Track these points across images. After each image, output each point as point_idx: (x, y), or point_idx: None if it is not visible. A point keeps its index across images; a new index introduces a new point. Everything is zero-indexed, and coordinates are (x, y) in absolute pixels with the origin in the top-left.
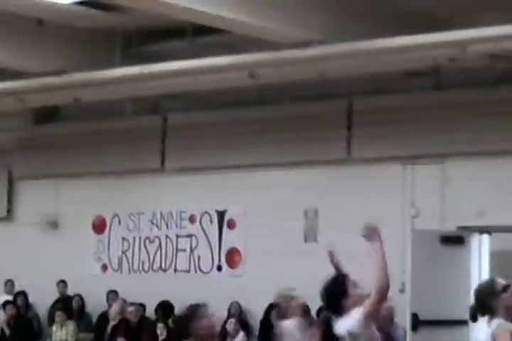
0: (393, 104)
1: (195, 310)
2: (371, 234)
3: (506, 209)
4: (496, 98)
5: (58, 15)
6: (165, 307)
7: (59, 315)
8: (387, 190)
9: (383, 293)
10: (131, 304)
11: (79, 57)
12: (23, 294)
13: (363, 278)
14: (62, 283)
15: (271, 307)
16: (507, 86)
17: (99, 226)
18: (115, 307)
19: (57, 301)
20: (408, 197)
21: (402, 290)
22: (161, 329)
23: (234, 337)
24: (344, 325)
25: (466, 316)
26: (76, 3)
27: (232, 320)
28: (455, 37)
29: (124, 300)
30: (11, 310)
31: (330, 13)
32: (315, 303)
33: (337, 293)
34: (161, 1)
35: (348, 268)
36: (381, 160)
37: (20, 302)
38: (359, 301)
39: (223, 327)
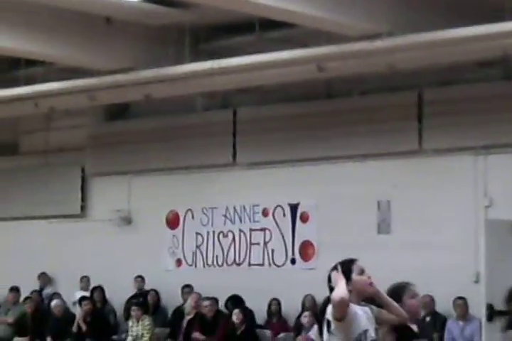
0: (463, 95)
1: (405, 287)
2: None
3: None
4: None
5: (126, 13)
6: (234, 301)
7: (134, 310)
8: (460, 181)
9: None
10: (206, 298)
11: (148, 54)
12: (99, 289)
13: (440, 268)
14: (140, 278)
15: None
16: None
17: (172, 222)
18: (190, 302)
19: (133, 296)
20: (481, 188)
21: (476, 281)
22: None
23: (309, 330)
24: None
25: None
26: (144, 0)
27: (306, 313)
28: None
29: (199, 295)
30: (87, 305)
31: (397, 5)
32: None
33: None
34: None
35: (420, 258)
36: (453, 151)
37: (97, 297)
38: None
39: (298, 319)
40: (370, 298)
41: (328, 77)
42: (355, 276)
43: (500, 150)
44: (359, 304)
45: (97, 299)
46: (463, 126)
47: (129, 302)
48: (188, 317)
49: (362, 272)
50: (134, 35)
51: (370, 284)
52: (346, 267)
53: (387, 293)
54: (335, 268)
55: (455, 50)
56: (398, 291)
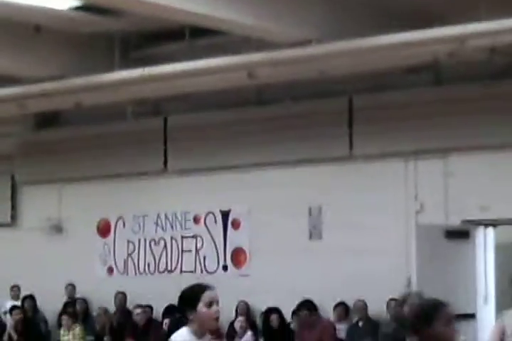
0: (394, 101)
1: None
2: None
3: (510, 201)
4: (496, 92)
5: (56, 21)
6: (169, 310)
7: (65, 319)
8: (390, 186)
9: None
10: (138, 306)
11: (78, 62)
12: (30, 298)
13: (371, 273)
14: (71, 286)
15: (270, 311)
16: (507, 80)
17: (103, 230)
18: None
19: (66, 304)
20: (411, 193)
21: (408, 285)
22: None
23: (242, 336)
24: None
25: (473, 310)
26: (73, 8)
27: (240, 318)
28: (453, 32)
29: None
30: (18, 314)
31: (327, 12)
32: (320, 300)
33: None
34: (157, 3)
35: (352, 263)
36: (383, 157)
37: (28, 306)
38: None
39: (231, 326)
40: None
41: (259, 84)
42: (201, 307)
43: (430, 156)
44: (201, 337)
45: (28, 308)
46: (393, 132)
47: (62, 311)
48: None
49: (210, 304)
50: (63, 43)
51: (216, 319)
52: (195, 294)
53: (414, 312)
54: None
55: (385, 56)
56: (430, 313)
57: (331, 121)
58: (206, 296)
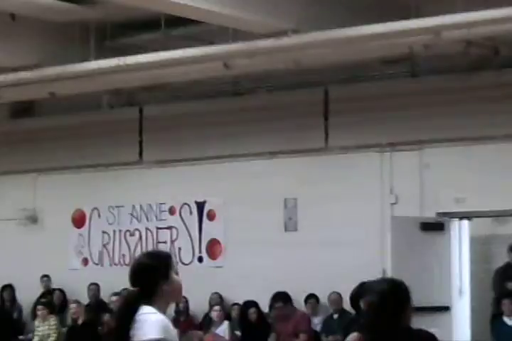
0: (369, 92)
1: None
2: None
3: (485, 194)
4: (471, 84)
5: (31, 9)
6: None
7: (40, 309)
8: (366, 178)
9: None
10: (115, 294)
11: (53, 51)
12: (9, 287)
13: (347, 265)
14: (46, 277)
15: (248, 304)
16: (482, 71)
17: (78, 220)
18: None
19: (41, 296)
20: (387, 184)
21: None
22: None
23: (218, 325)
24: None
25: (448, 302)
26: None
27: (216, 307)
28: (429, 23)
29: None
30: None
31: (303, 3)
32: (295, 292)
33: None
34: None
35: (327, 255)
36: (359, 148)
37: (6, 295)
38: None
39: (206, 316)
40: None
41: (235, 74)
42: (172, 275)
43: (406, 148)
44: (165, 313)
45: (6, 298)
46: (369, 123)
47: (37, 302)
48: None
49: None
50: (38, 32)
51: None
52: (165, 261)
53: None
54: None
55: (361, 48)
56: None
57: (307, 112)
58: (174, 262)
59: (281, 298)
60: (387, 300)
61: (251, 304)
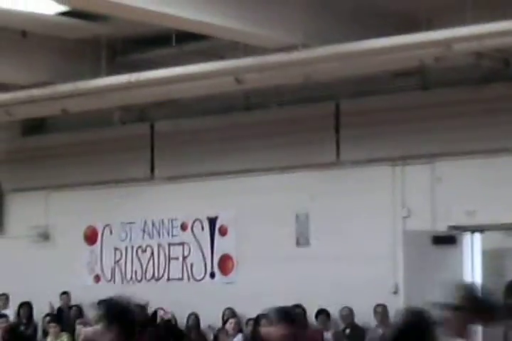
0: (381, 105)
1: None
2: None
3: (497, 207)
4: (483, 96)
5: (42, 26)
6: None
7: (51, 327)
8: (378, 192)
9: None
10: None
11: (65, 68)
12: (27, 305)
13: (359, 280)
14: (65, 294)
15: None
16: (493, 84)
17: (90, 237)
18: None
19: (47, 314)
20: (399, 198)
21: (395, 292)
22: None
23: (233, 337)
24: None
25: None
26: (59, 13)
27: (232, 320)
28: (440, 36)
29: None
30: (3, 324)
31: (313, 17)
32: (307, 307)
33: None
34: (144, 9)
35: (339, 270)
36: (371, 162)
37: (23, 313)
38: None
39: (218, 332)
40: None
41: (246, 89)
42: None
43: (418, 161)
44: None
45: (22, 315)
46: (380, 137)
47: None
48: None
49: None
50: (50, 49)
51: None
52: None
53: None
54: None
55: (371, 61)
56: None
57: (318, 126)
58: None
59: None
60: None
61: (264, 316)
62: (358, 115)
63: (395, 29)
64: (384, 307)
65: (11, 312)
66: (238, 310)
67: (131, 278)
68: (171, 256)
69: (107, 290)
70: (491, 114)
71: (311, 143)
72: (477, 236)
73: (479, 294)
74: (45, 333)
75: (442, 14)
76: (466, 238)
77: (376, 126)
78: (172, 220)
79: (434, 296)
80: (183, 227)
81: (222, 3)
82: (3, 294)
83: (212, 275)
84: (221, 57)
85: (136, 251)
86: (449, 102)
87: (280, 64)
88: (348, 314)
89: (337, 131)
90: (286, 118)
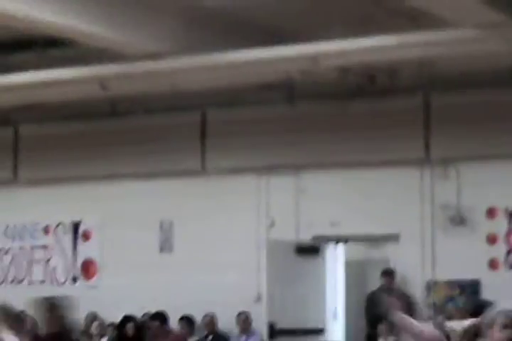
0: (247, 116)
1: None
2: None
3: (360, 218)
4: (347, 111)
5: None
6: None
7: None
8: (243, 201)
9: None
10: None
11: None
12: None
13: (222, 287)
14: None
15: (126, 319)
16: (358, 99)
17: None
18: None
19: None
20: (263, 208)
21: (258, 300)
22: None
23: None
24: None
25: (322, 325)
26: None
27: (96, 323)
28: (305, 50)
29: None
30: None
31: (181, 25)
32: (170, 313)
33: None
34: (5, 12)
35: (202, 277)
36: (236, 171)
37: None
38: None
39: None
40: None
41: (113, 96)
42: None
43: (282, 172)
44: None
45: None
46: (246, 147)
47: None
48: None
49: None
50: None
51: None
52: None
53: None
54: None
55: (238, 72)
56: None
57: (184, 134)
58: None
59: (159, 318)
60: None
61: (128, 319)
62: (225, 125)
63: (263, 42)
64: (246, 314)
65: None
66: (101, 315)
67: None
68: (34, 259)
69: None
70: (355, 128)
71: (177, 150)
72: (340, 246)
73: None
74: None
75: (309, 29)
76: (330, 248)
77: (242, 136)
78: (35, 223)
79: (296, 305)
80: (46, 231)
81: (91, 7)
82: None
83: (75, 279)
84: (87, 63)
85: None
86: (314, 115)
87: (146, 72)
88: (211, 321)
89: (203, 139)
90: (153, 126)
